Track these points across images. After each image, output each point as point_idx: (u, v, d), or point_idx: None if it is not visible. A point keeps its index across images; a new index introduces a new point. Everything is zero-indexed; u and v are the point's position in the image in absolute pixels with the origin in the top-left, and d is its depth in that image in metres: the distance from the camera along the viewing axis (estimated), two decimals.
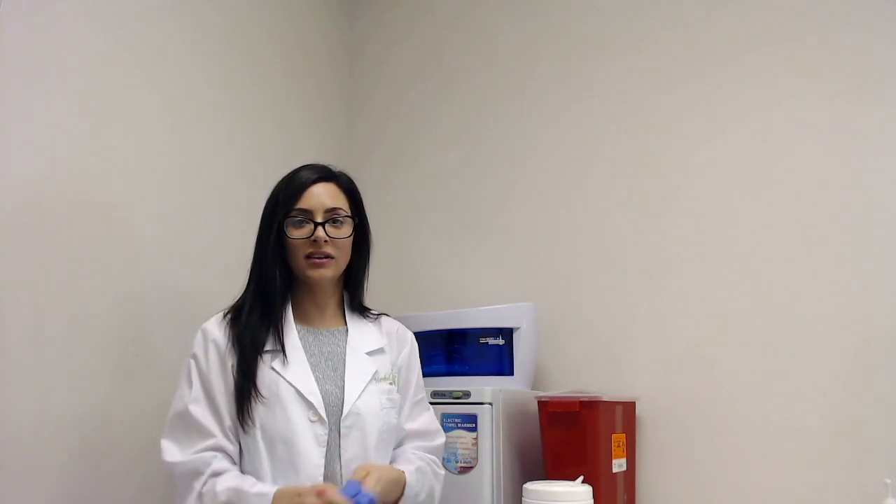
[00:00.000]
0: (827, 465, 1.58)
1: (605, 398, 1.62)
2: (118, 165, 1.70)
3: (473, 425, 1.62)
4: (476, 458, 1.61)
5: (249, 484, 1.25)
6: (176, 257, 1.81)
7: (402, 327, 1.53)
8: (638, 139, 1.91)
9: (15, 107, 1.51)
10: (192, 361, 1.35)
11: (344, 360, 1.40)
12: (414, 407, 1.49)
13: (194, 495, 1.25)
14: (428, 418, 1.51)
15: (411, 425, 1.47)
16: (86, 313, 1.60)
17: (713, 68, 1.82)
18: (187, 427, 1.29)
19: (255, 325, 1.35)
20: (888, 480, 1.32)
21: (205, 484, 1.25)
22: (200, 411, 1.30)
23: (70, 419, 1.55)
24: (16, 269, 1.49)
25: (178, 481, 1.27)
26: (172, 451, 1.28)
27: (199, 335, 1.37)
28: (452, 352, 1.87)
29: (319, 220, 1.37)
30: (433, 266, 2.21)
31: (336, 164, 1.51)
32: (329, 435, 1.32)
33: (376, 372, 1.41)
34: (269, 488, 1.24)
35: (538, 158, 2.07)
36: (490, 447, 1.61)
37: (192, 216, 1.86)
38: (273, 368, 1.33)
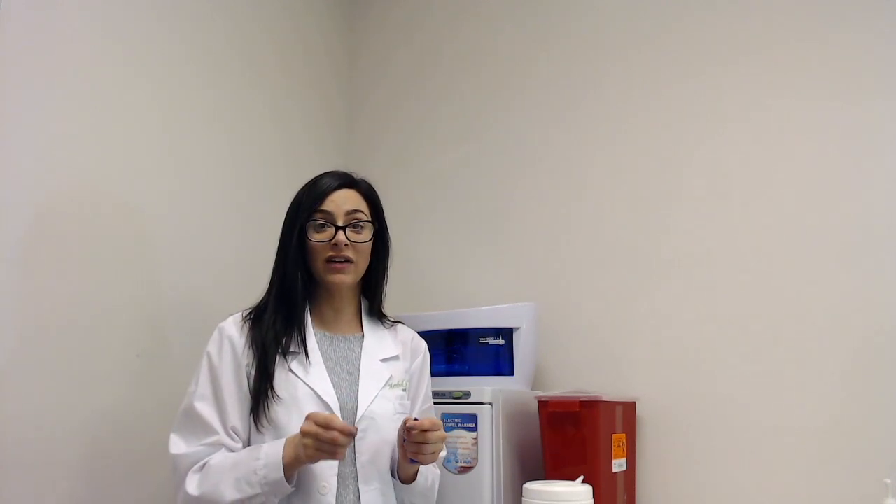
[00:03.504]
0: (827, 465, 1.58)
1: (605, 398, 1.62)
2: (121, 166, 1.70)
3: (473, 425, 1.62)
4: (476, 458, 1.61)
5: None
6: (186, 259, 1.82)
7: (416, 337, 1.55)
8: (638, 139, 1.91)
9: (16, 107, 1.51)
10: (204, 358, 1.36)
11: (359, 365, 1.42)
12: (421, 415, 1.50)
13: (189, 481, 1.26)
14: None
15: None
16: (97, 315, 1.60)
17: (713, 68, 1.82)
18: (192, 423, 1.31)
19: (277, 328, 1.36)
20: (888, 480, 1.32)
21: (203, 466, 1.27)
22: (205, 408, 1.31)
23: (81, 420, 1.56)
24: (27, 270, 1.49)
25: (178, 472, 1.29)
26: (178, 445, 1.30)
27: (215, 333, 1.38)
28: (452, 352, 1.87)
29: (340, 223, 1.39)
30: (433, 266, 2.21)
31: (336, 165, 1.53)
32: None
33: (390, 378, 1.43)
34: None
35: (538, 158, 2.07)
36: (490, 447, 1.61)
37: (195, 217, 1.86)
38: (291, 370, 1.35)
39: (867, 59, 1.63)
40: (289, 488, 1.25)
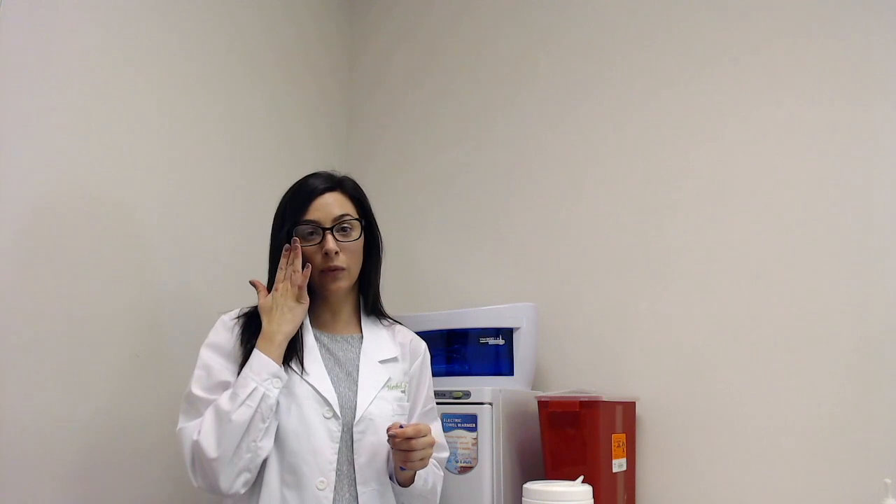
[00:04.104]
0: (827, 465, 1.58)
1: (605, 398, 1.62)
2: (120, 166, 1.70)
3: (473, 425, 1.62)
4: (476, 458, 1.61)
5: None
6: (185, 259, 1.82)
7: (416, 338, 1.55)
8: (638, 139, 1.91)
9: (16, 107, 1.51)
10: (203, 348, 1.37)
11: (357, 366, 1.42)
12: (423, 417, 1.50)
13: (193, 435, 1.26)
14: (436, 430, 1.52)
15: None
16: (95, 315, 1.60)
17: (713, 68, 1.82)
18: (192, 405, 1.31)
19: None
20: (888, 480, 1.32)
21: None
22: (202, 392, 1.31)
23: (80, 420, 1.55)
24: (25, 270, 1.49)
25: (184, 443, 1.28)
26: (181, 423, 1.30)
27: (217, 323, 1.40)
28: (452, 352, 1.87)
29: (328, 227, 1.39)
30: (433, 266, 2.21)
31: (336, 165, 1.53)
32: (341, 435, 1.33)
33: (389, 379, 1.43)
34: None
35: (538, 158, 2.07)
36: (490, 447, 1.61)
37: (194, 217, 1.86)
38: (291, 367, 1.35)
39: (868, 60, 1.63)
40: (278, 368, 1.28)
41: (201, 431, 1.24)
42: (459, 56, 2.27)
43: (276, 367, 1.28)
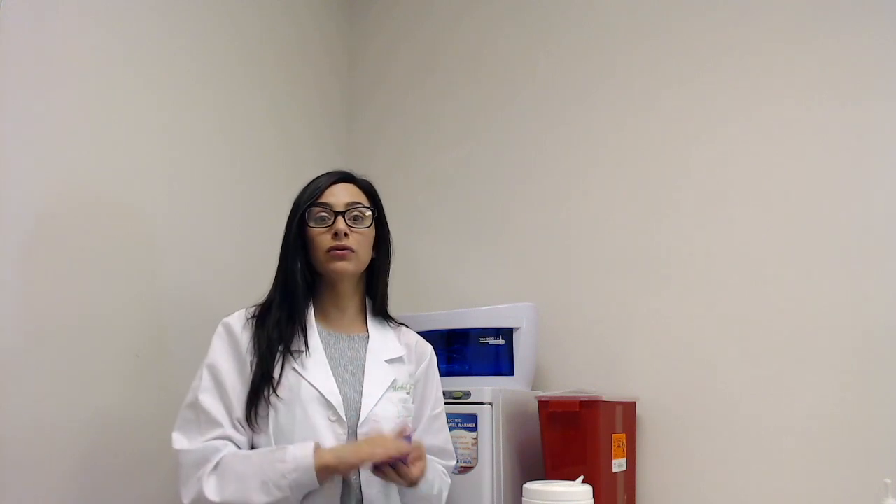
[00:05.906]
0: (827, 465, 1.58)
1: (605, 398, 1.62)
2: (119, 166, 1.70)
3: (473, 425, 1.62)
4: (476, 458, 1.61)
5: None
6: (186, 259, 1.82)
7: (421, 340, 1.54)
8: (638, 139, 1.91)
9: (16, 107, 1.51)
10: (210, 356, 1.35)
11: (363, 366, 1.41)
12: (434, 420, 1.49)
13: (196, 482, 1.24)
14: (446, 436, 1.52)
15: (431, 440, 1.47)
16: (96, 315, 1.60)
17: (713, 68, 1.82)
18: (197, 417, 1.30)
19: (282, 325, 1.36)
20: (888, 480, 1.32)
21: (216, 466, 1.25)
22: (210, 401, 1.30)
23: (81, 420, 1.55)
24: (27, 269, 1.49)
25: (184, 469, 1.27)
26: (181, 441, 1.29)
27: (220, 328, 1.38)
28: (452, 352, 1.87)
29: (340, 210, 1.39)
30: (433, 266, 2.21)
31: (336, 165, 1.54)
32: (346, 437, 1.33)
33: (395, 380, 1.42)
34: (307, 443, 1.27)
35: (538, 158, 2.07)
36: (490, 447, 1.61)
37: (195, 217, 1.86)
38: (294, 369, 1.34)
39: (867, 60, 1.63)
40: (317, 486, 1.24)
41: (219, 500, 1.23)
42: (459, 56, 2.27)
43: (315, 487, 1.24)
